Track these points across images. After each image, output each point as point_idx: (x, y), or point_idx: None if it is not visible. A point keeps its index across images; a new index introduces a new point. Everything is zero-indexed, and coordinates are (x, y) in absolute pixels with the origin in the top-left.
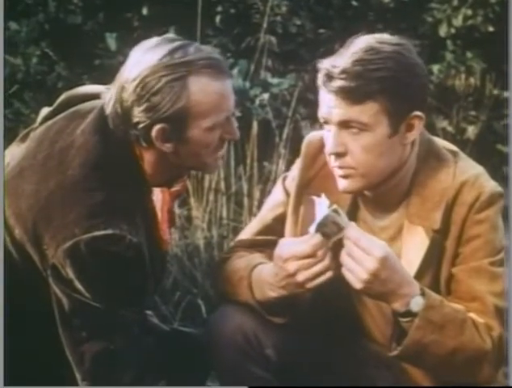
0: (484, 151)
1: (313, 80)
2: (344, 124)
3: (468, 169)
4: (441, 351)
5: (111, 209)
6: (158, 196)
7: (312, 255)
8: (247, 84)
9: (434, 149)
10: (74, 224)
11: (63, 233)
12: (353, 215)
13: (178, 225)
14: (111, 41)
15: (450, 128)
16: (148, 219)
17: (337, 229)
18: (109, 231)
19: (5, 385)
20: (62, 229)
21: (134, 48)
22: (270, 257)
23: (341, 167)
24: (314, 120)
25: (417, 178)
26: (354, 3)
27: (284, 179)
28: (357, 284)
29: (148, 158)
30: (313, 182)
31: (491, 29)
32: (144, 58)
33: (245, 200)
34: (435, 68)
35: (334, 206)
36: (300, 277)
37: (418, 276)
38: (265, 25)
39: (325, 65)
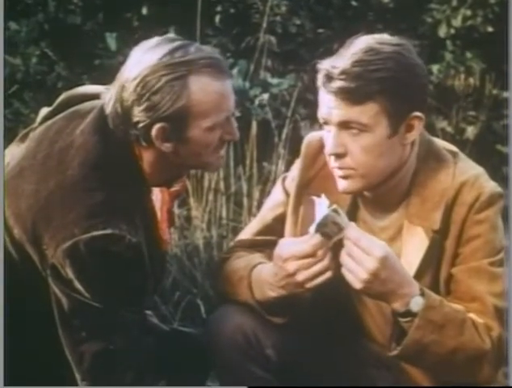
0: (483, 151)
1: (313, 80)
2: (344, 125)
3: (468, 169)
4: (440, 351)
5: (110, 209)
6: (158, 195)
7: (311, 255)
8: (247, 84)
9: (434, 150)
10: (74, 224)
11: (62, 233)
12: (353, 215)
13: (178, 225)
14: (111, 41)
15: (449, 129)
16: (148, 219)
17: (337, 229)
18: (108, 231)
19: (5, 385)
20: (62, 229)
21: (134, 47)
22: (270, 257)
23: (340, 168)
24: (314, 121)
25: (417, 178)
26: (354, 3)
27: (284, 180)
28: (357, 284)
29: (147, 158)
30: (313, 182)
31: (490, 29)
32: (144, 58)
33: (245, 200)
34: (435, 68)
35: (334, 206)
36: (300, 277)
37: (418, 276)
38: (264, 25)
39: (324, 65)
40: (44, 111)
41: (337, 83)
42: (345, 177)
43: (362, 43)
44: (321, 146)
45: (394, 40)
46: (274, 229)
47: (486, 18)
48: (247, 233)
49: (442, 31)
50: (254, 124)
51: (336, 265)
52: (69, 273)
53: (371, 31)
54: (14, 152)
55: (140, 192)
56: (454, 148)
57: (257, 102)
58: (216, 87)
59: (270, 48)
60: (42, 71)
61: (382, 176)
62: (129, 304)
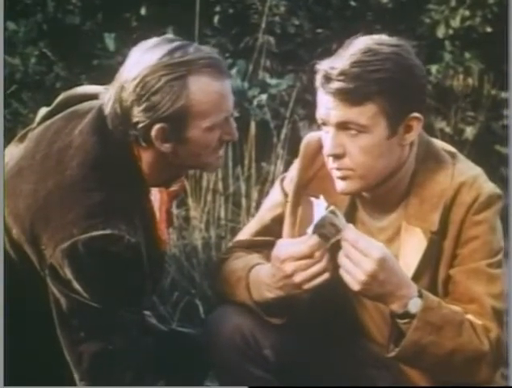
0: (482, 152)
1: (312, 81)
2: (342, 126)
3: (467, 170)
4: (439, 352)
5: (109, 209)
6: (156, 196)
7: (309, 256)
8: (245, 84)
9: (433, 151)
10: (72, 224)
11: (61, 233)
12: (351, 216)
13: (176, 226)
14: (110, 41)
15: (448, 129)
16: (147, 219)
17: (334, 230)
18: (107, 231)
19: (5, 385)
20: (60, 230)
21: (133, 48)
22: (268, 258)
23: (339, 169)
24: (312, 121)
25: (416, 179)
26: (353, 4)
27: (282, 180)
28: (355, 286)
29: (146, 158)
30: (312, 183)
31: (489, 30)
32: (143, 58)
33: (243, 201)
34: (433, 68)
35: (332, 207)
36: (297, 278)
37: (416, 277)
38: (263, 25)
39: (323, 66)
40: (43, 111)
41: (336, 84)
42: (343, 178)
43: (360, 43)
44: (319, 147)
45: (393, 40)
46: (273, 229)
47: (485, 19)
48: (245, 233)
49: (441, 32)
50: (253, 125)
51: (334, 266)
52: (68, 273)
53: (369, 31)
54: (13, 152)
55: (138, 193)
56: (452, 149)
57: (255, 102)
58: (215, 87)
59: (269, 49)
60: (41, 71)
61: (380, 177)
62: (128, 304)
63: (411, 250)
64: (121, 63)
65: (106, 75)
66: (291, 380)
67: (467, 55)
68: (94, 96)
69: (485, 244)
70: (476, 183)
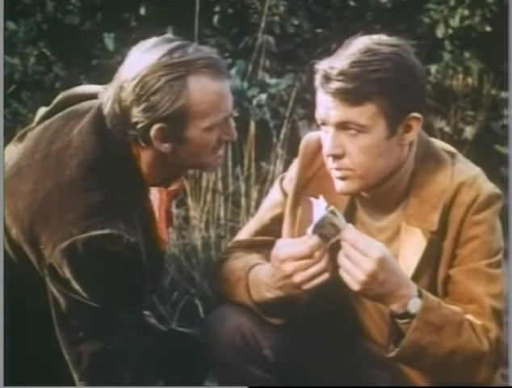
0: (481, 151)
1: (311, 80)
2: (342, 126)
3: (466, 170)
4: (438, 352)
5: (108, 209)
6: (156, 195)
7: (309, 257)
8: (245, 84)
9: (432, 151)
10: (71, 224)
11: (60, 232)
12: (350, 216)
13: (176, 226)
14: (109, 41)
15: (447, 129)
16: (146, 219)
17: (334, 230)
18: (106, 231)
19: (5, 385)
20: (59, 229)
21: (132, 48)
22: (268, 258)
23: (338, 169)
24: (312, 121)
25: (415, 179)
26: (352, 3)
27: (282, 180)
28: (354, 286)
29: (145, 158)
30: (311, 183)
31: (488, 29)
32: (143, 58)
33: (243, 201)
34: (433, 68)
35: (331, 207)
36: (297, 278)
37: (415, 277)
38: (263, 25)
39: (322, 66)
40: (42, 110)
41: (335, 84)
42: (342, 178)
43: (360, 43)
44: (319, 147)
45: (392, 40)
46: (272, 229)
47: (484, 18)
48: (245, 233)
49: (440, 32)
50: (252, 124)
51: (333, 267)
52: (67, 273)
53: (369, 31)
54: (13, 152)
55: (138, 192)
56: (452, 149)
57: (255, 102)
58: (214, 87)
59: (269, 49)
60: (40, 71)
61: (380, 177)
62: (127, 304)
63: (411, 250)
64: (120, 63)
65: (105, 75)
66: (290, 380)
67: (466, 54)
68: (93, 96)
69: (485, 244)
70: (476, 183)
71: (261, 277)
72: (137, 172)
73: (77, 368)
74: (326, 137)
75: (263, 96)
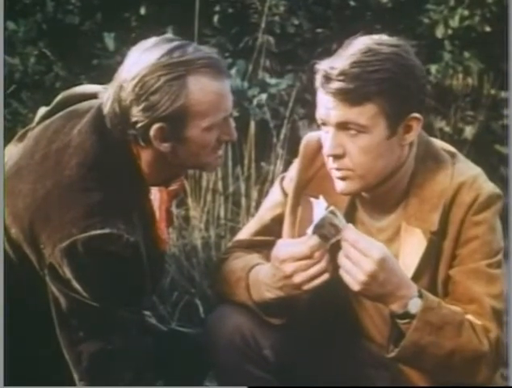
0: (481, 151)
1: (311, 80)
2: (342, 126)
3: (466, 170)
4: (438, 352)
5: (108, 209)
6: (156, 195)
7: (309, 257)
8: (245, 84)
9: (432, 151)
10: (71, 223)
11: (60, 232)
12: (350, 216)
13: (176, 225)
14: (109, 41)
15: (447, 129)
16: (146, 218)
17: (334, 230)
18: (106, 230)
19: (5, 385)
20: (59, 229)
21: (132, 47)
22: (268, 258)
23: (339, 169)
24: (312, 121)
25: (415, 179)
26: (352, 3)
27: (282, 180)
28: (355, 286)
29: (145, 158)
30: (311, 183)
31: (488, 29)
32: (142, 58)
33: (243, 201)
34: (433, 68)
35: (331, 208)
36: (297, 279)
37: (416, 277)
38: (263, 25)
39: (322, 66)
40: (42, 110)
41: (336, 84)
42: (343, 178)
43: (360, 44)
44: (319, 147)
45: (392, 40)
46: (272, 229)
47: (484, 18)
48: (245, 233)
49: (440, 32)
50: (252, 124)
51: (333, 267)
52: (67, 273)
53: (369, 31)
54: (12, 151)
55: (138, 192)
56: (452, 149)
57: (255, 102)
58: (214, 87)
59: (269, 48)
60: (40, 71)
61: (380, 177)
62: (127, 304)
63: (411, 250)
64: (120, 63)
65: (105, 75)
66: (290, 380)
67: (466, 54)
68: (93, 96)
69: (485, 244)
70: (476, 184)
71: (261, 277)
72: (137, 172)
73: (77, 367)
74: (327, 137)
75: (263, 96)
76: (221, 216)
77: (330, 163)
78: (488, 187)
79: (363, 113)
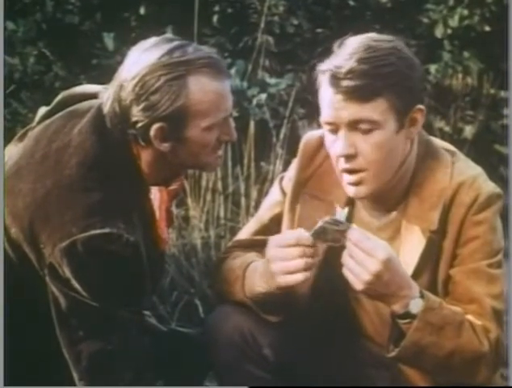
0: (481, 151)
1: (311, 80)
2: (354, 125)
3: (466, 170)
4: (438, 353)
5: (108, 208)
6: (156, 194)
7: (293, 246)
8: (244, 84)
9: (432, 150)
10: (71, 223)
11: (60, 232)
12: (349, 214)
13: (176, 225)
14: (109, 41)
15: (447, 129)
16: (146, 218)
17: (339, 235)
18: (106, 230)
19: (5, 385)
20: (59, 228)
21: (132, 47)
22: None
23: (351, 172)
24: (312, 120)
25: (416, 178)
26: (352, 3)
27: (281, 179)
28: (358, 285)
29: (145, 157)
30: (310, 181)
31: (488, 29)
32: (142, 57)
33: (243, 200)
34: (432, 68)
35: (332, 218)
36: (274, 267)
37: (415, 276)
38: (262, 25)
39: (326, 66)
40: (43, 110)
41: (346, 82)
42: (356, 183)
43: (356, 42)
44: (318, 145)
45: (386, 37)
46: (271, 229)
47: (483, 18)
48: (244, 233)
49: (440, 32)
50: (252, 124)
51: (323, 270)
52: (67, 272)
53: (368, 30)
54: (13, 151)
55: (138, 191)
56: (452, 147)
57: (255, 102)
58: (214, 87)
59: (268, 48)
60: (40, 71)
61: (391, 173)
62: (127, 303)
63: (410, 249)
64: (120, 63)
65: (105, 75)
66: (290, 379)
67: (465, 54)
68: (93, 95)
69: (485, 244)
70: (476, 183)
71: (256, 273)
72: (137, 171)
73: (76, 367)
74: (337, 138)
75: (263, 96)
76: (221, 216)
77: (342, 164)
78: (488, 186)
79: (375, 109)
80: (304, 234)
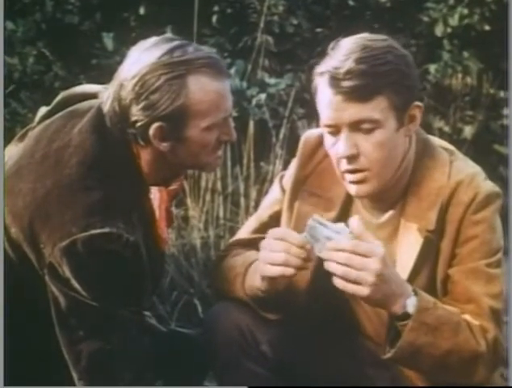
0: (481, 151)
1: (310, 80)
2: (355, 125)
3: (464, 169)
4: (435, 353)
5: (108, 208)
6: (156, 194)
7: (281, 239)
8: (244, 84)
9: (430, 148)
10: (71, 222)
11: (60, 231)
12: (346, 211)
13: (175, 225)
14: (108, 41)
15: (446, 128)
16: (146, 218)
17: (321, 243)
18: (106, 230)
19: (5, 385)
20: (59, 228)
21: (132, 47)
22: None
23: (354, 172)
24: (311, 120)
25: (414, 177)
26: (351, 3)
27: (282, 178)
28: (364, 291)
29: (145, 157)
30: (309, 178)
31: (487, 28)
32: (143, 57)
33: (242, 200)
34: (432, 68)
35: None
36: (260, 255)
37: (413, 276)
38: (262, 25)
39: (324, 68)
40: (43, 110)
41: (346, 83)
42: (358, 182)
43: (351, 43)
44: (318, 143)
45: (379, 36)
46: (271, 226)
47: (483, 17)
48: (244, 231)
49: (439, 31)
50: (252, 124)
51: (321, 269)
52: (67, 272)
53: (368, 30)
54: (13, 151)
55: (138, 191)
56: (451, 146)
57: (254, 102)
58: (214, 87)
59: (268, 48)
60: (39, 71)
61: (392, 171)
62: (127, 303)
63: (407, 248)
64: (120, 62)
65: (104, 75)
66: (288, 376)
67: (465, 54)
68: (93, 95)
69: (484, 244)
70: (474, 182)
71: (257, 271)
72: (137, 171)
73: (76, 367)
74: (337, 139)
75: (262, 96)
76: (220, 216)
77: (344, 165)
78: (487, 185)
79: (376, 108)
80: (292, 232)
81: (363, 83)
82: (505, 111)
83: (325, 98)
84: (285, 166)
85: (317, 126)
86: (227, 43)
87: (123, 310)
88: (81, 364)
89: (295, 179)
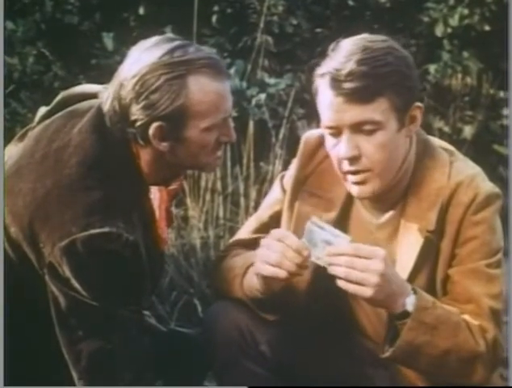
0: (480, 151)
1: (310, 80)
2: (357, 127)
3: (464, 169)
4: (433, 352)
5: (107, 208)
6: (156, 194)
7: (279, 240)
8: (244, 84)
9: (430, 149)
10: (71, 222)
11: (59, 231)
12: (346, 212)
13: (175, 225)
14: (108, 41)
15: (446, 129)
16: (146, 217)
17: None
18: (106, 229)
19: (5, 385)
20: (59, 228)
21: (132, 47)
22: None
23: (355, 173)
24: (311, 120)
25: (414, 177)
26: (351, 3)
27: (282, 178)
28: (367, 292)
29: (145, 157)
30: (310, 178)
31: (487, 28)
32: (143, 56)
33: (242, 200)
34: (432, 68)
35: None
36: (258, 252)
37: (413, 276)
38: (262, 25)
39: (325, 70)
40: (43, 110)
41: (348, 84)
42: (360, 182)
43: (351, 44)
44: (318, 143)
45: (379, 37)
46: (271, 226)
47: (483, 17)
48: (244, 231)
49: (439, 31)
50: (251, 124)
51: (321, 269)
52: (66, 271)
53: (368, 30)
54: (13, 151)
55: (137, 191)
56: (451, 147)
57: (254, 102)
58: (214, 88)
59: (268, 48)
60: (39, 71)
61: (394, 172)
62: (127, 303)
63: (407, 249)
64: (119, 62)
65: (104, 75)
66: (288, 376)
67: (465, 54)
68: (93, 95)
69: (484, 244)
70: (474, 183)
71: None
72: (137, 171)
73: (76, 367)
74: (339, 141)
75: (262, 96)
76: (220, 216)
77: (346, 166)
78: (487, 186)
79: (377, 109)
80: (292, 235)
81: (364, 85)
82: (505, 112)
83: (326, 99)
84: (285, 167)
85: (317, 126)
86: (227, 43)
87: (122, 310)
88: (81, 364)
89: (295, 179)
